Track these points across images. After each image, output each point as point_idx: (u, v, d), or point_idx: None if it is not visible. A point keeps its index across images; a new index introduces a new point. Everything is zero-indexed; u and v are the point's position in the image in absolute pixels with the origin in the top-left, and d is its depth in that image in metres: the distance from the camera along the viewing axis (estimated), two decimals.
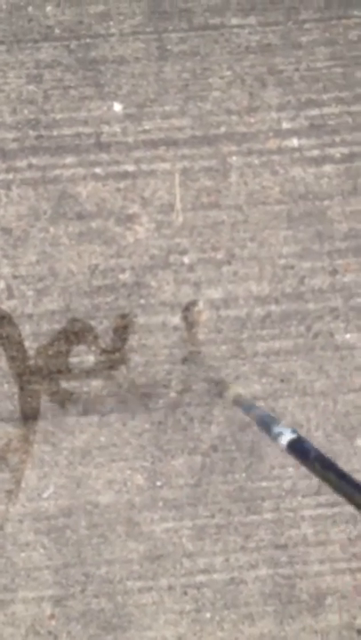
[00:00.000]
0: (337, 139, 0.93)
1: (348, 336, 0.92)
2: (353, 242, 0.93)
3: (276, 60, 0.93)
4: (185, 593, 0.89)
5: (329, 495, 0.92)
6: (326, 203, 0.93)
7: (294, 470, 0.91)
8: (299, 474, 0.91)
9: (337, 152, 0.93)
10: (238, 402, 0.86)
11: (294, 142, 0.93)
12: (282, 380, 0.92)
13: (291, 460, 0.91)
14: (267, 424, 0.75)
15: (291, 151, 0.93)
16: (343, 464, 0.92)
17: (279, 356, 0.92)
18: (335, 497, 0.86)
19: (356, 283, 0.93)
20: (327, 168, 0.93)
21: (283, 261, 0.92)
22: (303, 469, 0.89)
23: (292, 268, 0.92)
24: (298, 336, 0.92)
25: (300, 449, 0.71)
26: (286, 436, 0.71)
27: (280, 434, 0.71)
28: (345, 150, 0.93)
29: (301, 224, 0.92)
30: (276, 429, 0.72)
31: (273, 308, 0.92)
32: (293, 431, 0.72)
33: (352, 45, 0.94)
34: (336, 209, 0.93)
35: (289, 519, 0.91)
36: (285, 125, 0.93)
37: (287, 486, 0.91)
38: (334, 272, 0.93)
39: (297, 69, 0.93)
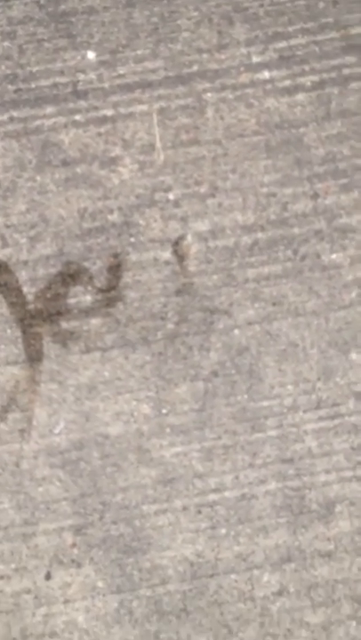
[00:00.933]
0: (306, 68, 0.96)
1: (333, 256, 0.95)
2: (331, 165, 0.96)
3: None
4: (199, 512, 0.93)
5: (329, 408, 0.94)
6: (302, 130, 0.96)
7: (293, 387, 0.94)
8: (298, 390, 0.94)
9: (307, 80, 0.96)
10: None
11: (265, 74, 0.96)
12: (274, 304, 0.95)
13: (290, 378, 0.94)
14: None
15: (263, 83, 0.96)
16: (340, 378, 0.95)
17: (270, 281, 0.95)
18: (335, 410, 0.89)
19: (337, 204, 0.96)
20: (300, 97, 0.96)
21: (265, 190, 0.95)
22: (303, 386, 0.92)
23: (274, 195, 0.95)
24: (286, 260, 0.95)
25: None
26: None
27: None
28: (315, 78, 0.96)
29: (280, 152, 0.96)
30: None
31: (259, 235, 0.95)
32: None
33: None
34: (312, 135, 0.96)
35: (293, 434, 0.94)
36: (255, 59, 0.96)
37: (288, 403, 0.94)
38: (315, 196, 0.95)
39: (262, 5, 0.97)
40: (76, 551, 0.93)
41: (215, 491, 0.94)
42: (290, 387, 0.95)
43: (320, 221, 0.95)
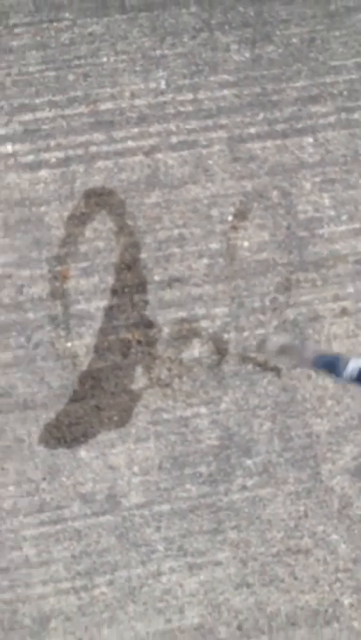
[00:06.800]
0: (52, 143, 0.91)
1: (69, 344, 0.89)
2: (71, 247, 0.90)
3: None
4: None
5: (52, 512, 0.87)
6: (43, 208, 0.90)
7: (15, 488, 0.87)
8: (20, 491, 0.87)
9: (52, 156, 0.91)
10: (285, 350, 0.85)
11: (8, 148, 0.90)
12: (1, 395, 0.89)
13: (11, 478, 0.87)
14: (328, 362, 0.76)
15: (5, 157, 0.90)
16: (66, 478, 0.88)
17: None
18: (59, 513, 0.82)
19: (76, 289, 0.90)
20: (43, 173, 0.91)
21: (0, 271, 0.89)
22: (26, 486, 0.84)
23: (9, 277, 0.89)
24: (18, 347, 0.89)
25: None
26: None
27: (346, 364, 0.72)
28: (60, 154, 0.91)
29: (18, 231, 0.90)
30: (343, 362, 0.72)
31: None
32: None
33: (64, 48, 0.92)
34: (53, 214, 0.90)
35: (10, 541, 0.87)
36: None
37: (8, 506, 0.87)
38: (53, 279, 0.89)
39: (9, 74, 0.91)
40: None
41: None
42: (11, 487, 0.88)
43: (57, 307, 0.89)
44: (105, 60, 0.93)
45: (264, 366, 0.93)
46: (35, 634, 0.86)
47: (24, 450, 0.88)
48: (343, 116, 0.95)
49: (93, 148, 0.92)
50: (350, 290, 0.95)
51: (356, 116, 0.94)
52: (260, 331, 0.93)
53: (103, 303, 0.91)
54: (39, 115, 0.91)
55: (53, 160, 0.91)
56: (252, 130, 0.94)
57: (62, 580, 0.88)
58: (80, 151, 0.91)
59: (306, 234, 0.94)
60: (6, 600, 0.87)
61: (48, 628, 0.87)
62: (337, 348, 0.93)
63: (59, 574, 0.88)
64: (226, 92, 0.94)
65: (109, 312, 0.91)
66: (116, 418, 0.90)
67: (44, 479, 0.88)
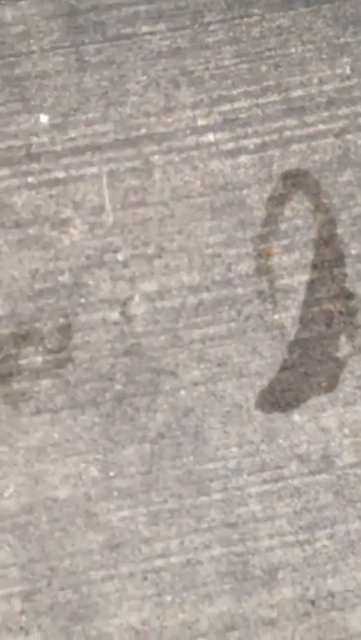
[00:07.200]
0: (249, 130, 0.97)
1: (276, 317, 0.96)
2: (272, 226, 0.97)
3: (187, 62, 0.97)
4: (145, 578, 0.92)
5: (272, 471, 0.95)
6: (245, 192, 0.97)
7: (238, 450, 0.94)
8: (242, 452, 0.94)
9: (250, 143, 0.97)
10: None
11: (210, 137, 0.97)
12: (219, 364, 0.95)
13: (234, 440, 0.94)
14: None
15: (208, 146, 0.97)
16: (283, 440, 0.96)
17: (214, 342, 0.95)
18: (279, 472, 0.89)
19: (279, 265, 0.97)
20: (243, 159, 0.97)
21: (210, 251, 0.96)
22: (247, 448, 0.92)
23: (219, 256, 0.96)
24: (230, 320, 0.96)
25: None
26: None
27: None
28: (258, 141, 0.97)
29: (224, 214, 0.96)
30: None
31: (205, 295, 0.96)
32: None
33: (255, 42, 0.98)
34: (254, 196, 0.97)
35: (237, 498, 0.94)
36: (201, 122, 0.97)
37: (232, 466, 0.94)
38: (258, 257, 0.96)
39: (207, 69, 0.97)
40: (24, 618, 0.92)
41: (161, 556, 0.94)
42: (234, 449, 0.95)
43: (263, 282, 0.96)
44: (293, 50, 0.99)
45: None
46: (265, 584, 0.95)
47: (243, 414, 0.96)
48: None
49: (287, 133, 0.98)
50: None
51: None
52: None
53: (305, 277, 0.97)
54: (236, 105, 0.98)
55: (251, 146, 0.98)
56: None
57: (286, 534, 0.95)
58: (275, 136, 0.98)
59: None
60: (238, 552, 0.94)
61: (277, 578, 0.95)
62: None
63: (283, 529, 0.95)
64: None
65: (311, 285, 0.97)
66: (324, 384, 0.97)
67: (263, 441, 0.96)
